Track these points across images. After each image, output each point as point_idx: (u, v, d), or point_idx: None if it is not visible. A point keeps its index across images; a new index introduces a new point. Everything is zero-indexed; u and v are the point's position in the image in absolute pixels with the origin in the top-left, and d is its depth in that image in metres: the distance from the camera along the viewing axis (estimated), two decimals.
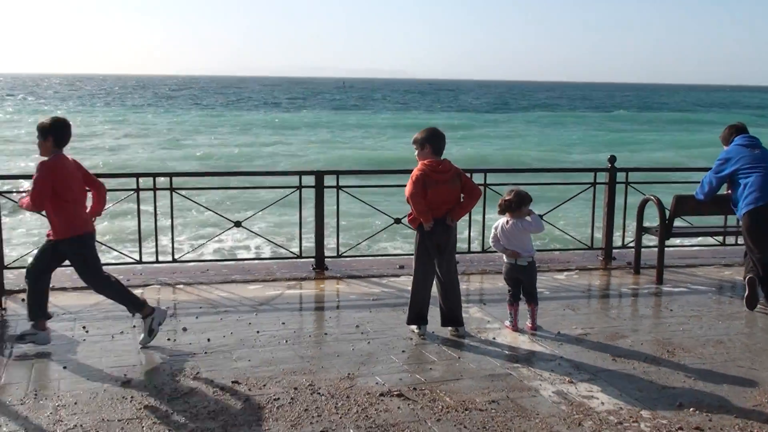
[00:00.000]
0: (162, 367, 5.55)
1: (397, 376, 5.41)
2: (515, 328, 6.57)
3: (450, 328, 6.47)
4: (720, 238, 9.84)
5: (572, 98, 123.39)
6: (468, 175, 6.61)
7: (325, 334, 6.40)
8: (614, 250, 9.54)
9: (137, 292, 7.55)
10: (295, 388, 5.15)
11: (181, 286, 7.90)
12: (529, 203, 6.61)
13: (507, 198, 6.58)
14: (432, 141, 6.29)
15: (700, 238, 10.27)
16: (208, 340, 6.18)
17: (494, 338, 6.36)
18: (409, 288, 6.49)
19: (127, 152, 36.82)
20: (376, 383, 5.27)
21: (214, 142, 42.19)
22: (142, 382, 5.26)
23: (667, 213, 8.30)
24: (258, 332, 6.40)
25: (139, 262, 8.37)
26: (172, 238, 8.49)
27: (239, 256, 12.46)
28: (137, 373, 5.42)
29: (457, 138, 42.52)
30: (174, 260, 8.48)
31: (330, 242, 9.90)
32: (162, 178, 8.50)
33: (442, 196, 6.24)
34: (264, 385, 5.21)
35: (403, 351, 5.98)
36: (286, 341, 6.17)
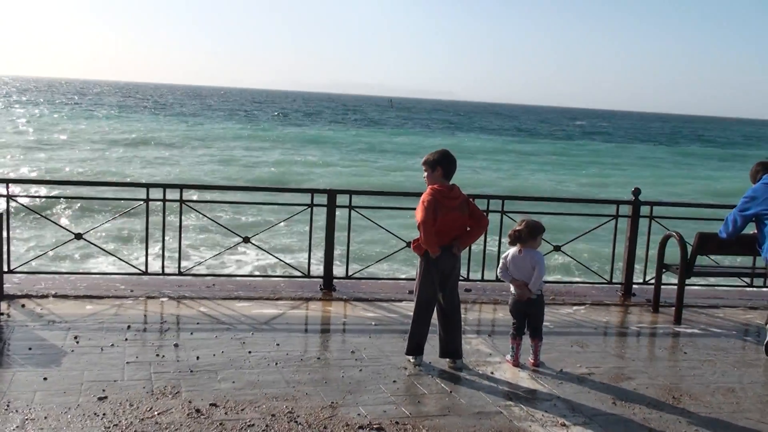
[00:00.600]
0: (142, 384, 5.40)
1: (382, 408, 5.19)
2: (516, 363, 6.30)
3: (448, 359, 6.23)
4: (748, 279, 9.43)
5: (623, 128, 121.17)
6: (480, 201, 6.38)
7: (318, 358, 6.21)
8: (635, 286, 9.21)
9: (139, 303, 7.51)
10: (273, 415, 4.96)
11: (185, 300, 7.78)
12: (541, 234, 6.36)
13: (518, 228, 6.33)
14: (443, 163, 6.07)
15: (727, 278, 9.87)
16: (198, 358, 6.03)
17: (492, 373, 6.11)
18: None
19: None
20: (359, 414, 5.06)
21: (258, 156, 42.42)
22: (118, 398, 5.11)
23: (690, 250, 7.97)
24: (250, 352, 6.23)
25: (145, 273, 8.30)
26: (179, 251, 8.38)
27: (248, 273, 12.33)
28: (116, 389, 5.28)
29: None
30: (180, 273, 8.37)
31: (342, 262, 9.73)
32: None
33: (451, 223, 6.03)
34: (242, 410, 5.03)
35: (394, 381, 5.76)
36: (276, 364, 6.00)
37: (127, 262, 8.70)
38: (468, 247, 8.63)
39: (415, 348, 6.18)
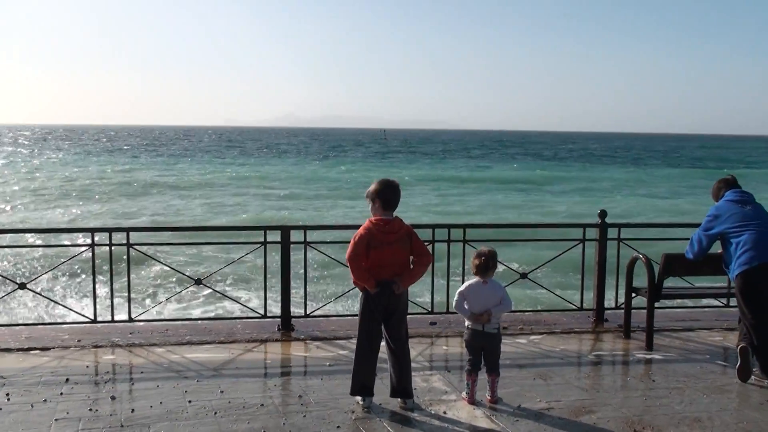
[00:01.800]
0: None
1: None
2: (471, 400, 5.97)
3: (399, 399, 5.91)
4: (724, 300, 9.10)
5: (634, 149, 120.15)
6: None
7: (261, 405, 5.87)
8: (607, 312, 8.89)
9: (92, 351, 7.21)
10: None
11: (133, 348, 7.44)
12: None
13: (485, 257, 5.99)
14: (382, 195, 5.77)
15: (705, 300, 9.53)
16: (132, 410, 5.70)
17: (445, 412, 5.78)
18: None
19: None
20: None
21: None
22: None
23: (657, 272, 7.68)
24: (190, 402, 5.90)
25: (94, 321, 7.97)
26: (129, 296, 8.06)
27: (203, 316, 11.88)
28: None
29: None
30: (131, 320, 8.05)
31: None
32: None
33: (389, 257, 5.72)
34: None
35: (338, 426, 5.43)
36: (216, 413, 5.66)
37: (75, 311, 8.36)
38: (432, 279, 8.40)
39: (360, 388, 5.85)
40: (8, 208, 33.31)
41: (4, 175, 50.12)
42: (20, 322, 9.29)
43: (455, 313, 8.45)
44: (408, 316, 8.47)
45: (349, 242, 5.80)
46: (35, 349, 7.34)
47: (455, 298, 6.08)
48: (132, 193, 40.26)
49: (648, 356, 7.49)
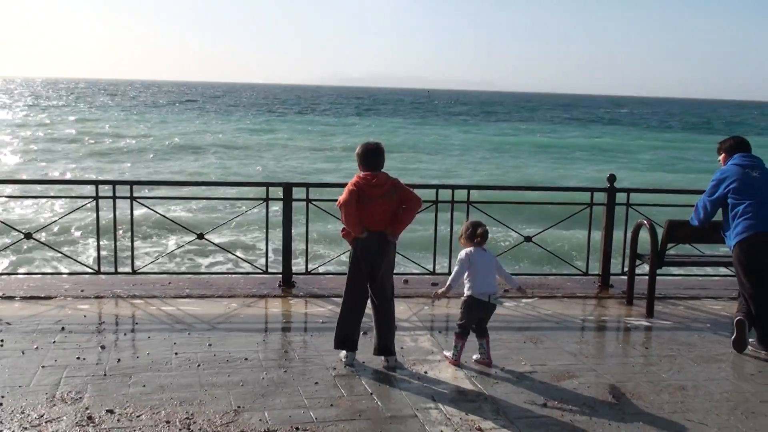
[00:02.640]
0: (47, 389, 5.18)
1: (288, 413, 4.90)
2: (457, 362, 5.94)
3: (381, 358, 5.92)
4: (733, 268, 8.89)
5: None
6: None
7: (245, 359, 5.93)
8: (613, 277, 8.77)
9: (92, 302, 7.33)
10: (168, 422, 4.71)
11: (133, 300, 7.56)
12: None
13: (484, 227, 5.94)
14: (362, 160, 5.83)
15: (720, 268, 9.32)
16: (118, 360, 5.80)
17: (426, 372, 5.77)
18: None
19: None
20: (260, 420, 4.78)
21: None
22: (12, 405, 4.91)
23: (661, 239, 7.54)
24: (176, 354, 5.99)
25: (98, 272, 8.10)
26: (132, 249, 8.17)
27: (208, 270, 11.97)
28: (16, 395, 5.07)
29: None
30: (134, 271, 8.16)
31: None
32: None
33: (379, 210, 5.73)
34: (138, 416, 4.78)
35: (316, 383, 5.46)
36: (199, 365, 5.74)
37: (80, 262, 8.51)
38: (434, 240, 8.36)
39: (343, 341, 5.89)
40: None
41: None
42: (26, 271, 9.42)
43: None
44: (410, 277, 8.54)
45: None
46: (38, 298, 7.50)
47: (457, 266, 5.98)
48: None
49: (646, 323, 7.39)
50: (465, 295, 5.94)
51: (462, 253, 5.98)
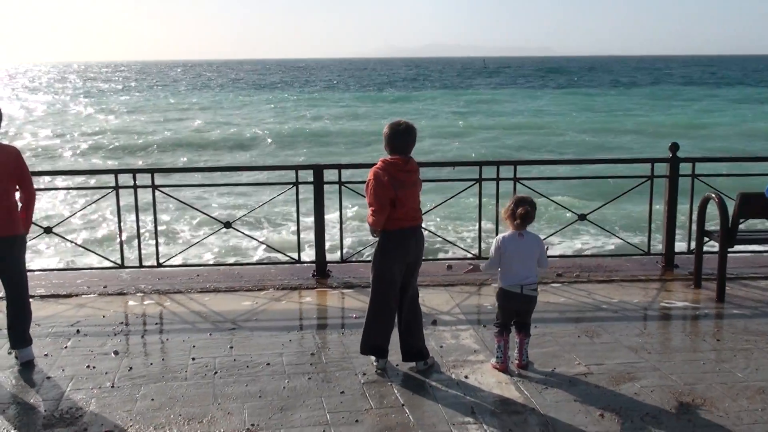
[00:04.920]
0: (47, 405, 4.73)
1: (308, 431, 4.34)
2: (505, 367, 5.26)
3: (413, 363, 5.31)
4: None
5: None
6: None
7: (267, 364, 5.39)
8: (677, 256, 7.98)
9: (114, 300, 6.91)
10: None
11: (157, 296, 7.10)
12: None
13: (529, 206, 5.17)
14: (391, 143, 5.09)
15: None
16: (130, 368, 5.33)
17: (466, 377, 5.15)
18: None
19: None
20: None
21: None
22: (4, 426, 4.46)
23: (731, 214, 6.75)
24: (193, 359, 5.49)
25: (121, 266, 7.66)
26: (156, 240, 7.71)
27: (239, 260, 11.28)
28: (10, 414, 4.64)
29: None
30: (159, 265, 7.70)
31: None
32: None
33: (411, 200, 5.09)
34: None
35: (342, 392, 4.90)
36: (215, 373, 5.23)
37: (103, 256, 8.09)
38: (479, 220, 7.70)
39: (371, 348, 5.28)
40: None
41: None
42: (47, 267, 9.05)
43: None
44: (451, 261, 7.89)
45: None
46: (58, 296, 7.10)
47: (492, 255, 5.30)
48: None
49: (717, 310, 6.62)
50: (497, 287, 5.29)
51: (495, 240, 5.29)
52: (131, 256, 7.90)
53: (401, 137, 5.07)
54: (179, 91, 77.98)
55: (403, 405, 4.70)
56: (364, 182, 5.22)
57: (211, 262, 9.37)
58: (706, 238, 7.24)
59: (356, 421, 4.48)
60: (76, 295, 7.13)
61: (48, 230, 7.63)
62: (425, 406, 4.70)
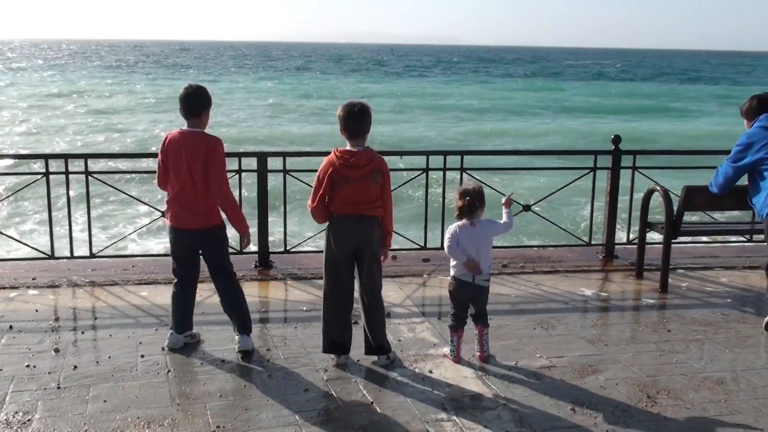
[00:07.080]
0: None
1: None
2: (458, 358, 5.21)
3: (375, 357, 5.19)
4: (747, 235, 8.23)
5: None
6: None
7: (223, 361, 5.16)
8: (617, 247, 8.11)
9: (45, 292, 6.50)
10: None
11: (92, 288, 6.73)
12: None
13: (470, 197, 5.08)
14: (344, 124, 4.93)
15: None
16: (75, 367, 5.00)
17: (431, 371, 5.05)
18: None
19: None
20: None
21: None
22: None
23: (676, 206, 6.88)
24: (142, 357, 5.19)
25: (51, 257, 7.22)
26: (89, 230, 7.30)
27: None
28: None
29: None
30: (92, 255, 7.30)
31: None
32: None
33: (352, 194, 4.90)
34: None
35: (306, 390, 4.72)
36: (169, 372, 4.96)
37: (31, 246, 7.63)
38: (425, 211, 7.61)
39: (330, 346, 5.13)
40: None
41: None
42: None
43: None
44: (398, 252, 7.78)
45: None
46: None
47: (447, 242, 5.20)
48: None
49: (662, 300, 6.74)
50: (450, 276, 5.22)
51: (448, 230, 5.20)
52: (59, 245, 7.42)
53: (356, 119, 4.90)
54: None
55: (371, 402, 4.56)
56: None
57: (146, 253, 8.90)
58: (648, 229, 7.35)
59: (327, 420, 4.32)
60: (2, 288, 6.68)
61: None
62: (395, 403, 4.57)
